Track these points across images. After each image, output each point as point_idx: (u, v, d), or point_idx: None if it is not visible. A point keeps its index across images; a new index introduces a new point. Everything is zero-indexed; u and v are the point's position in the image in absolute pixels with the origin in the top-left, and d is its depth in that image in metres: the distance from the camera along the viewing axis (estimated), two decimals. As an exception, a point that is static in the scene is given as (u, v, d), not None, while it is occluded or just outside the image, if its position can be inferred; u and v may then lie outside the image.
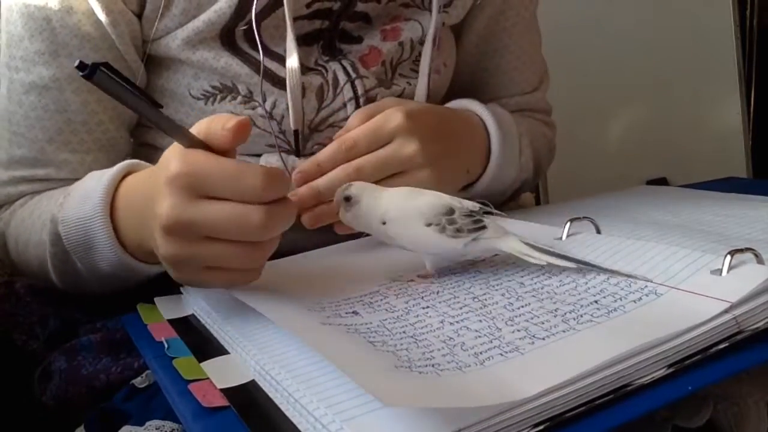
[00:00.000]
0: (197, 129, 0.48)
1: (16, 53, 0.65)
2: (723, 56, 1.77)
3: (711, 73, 1.78)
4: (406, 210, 0.51)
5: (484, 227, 0.51)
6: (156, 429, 0.48)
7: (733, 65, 1.77)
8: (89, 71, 0.42)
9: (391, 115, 0.64)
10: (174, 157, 0.47)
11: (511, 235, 0.51)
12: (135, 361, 0.55)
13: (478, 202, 0.53)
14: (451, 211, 0.50)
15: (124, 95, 0.44)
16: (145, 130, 0.75)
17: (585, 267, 0.49)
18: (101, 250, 0.57)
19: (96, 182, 0.58)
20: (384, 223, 0.52)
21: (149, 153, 0.76)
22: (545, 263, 0.50)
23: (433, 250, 0.52)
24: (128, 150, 0.73)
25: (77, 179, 0.66)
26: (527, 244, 0.51)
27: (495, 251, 0.52)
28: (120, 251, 0.57)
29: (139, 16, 0.66)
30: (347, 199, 0.53)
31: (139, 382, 0.54)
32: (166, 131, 0.47)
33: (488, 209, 0.53)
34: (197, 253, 0.48)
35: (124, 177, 0.58)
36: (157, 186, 0.48)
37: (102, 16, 0.64)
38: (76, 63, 0.43)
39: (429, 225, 0.50)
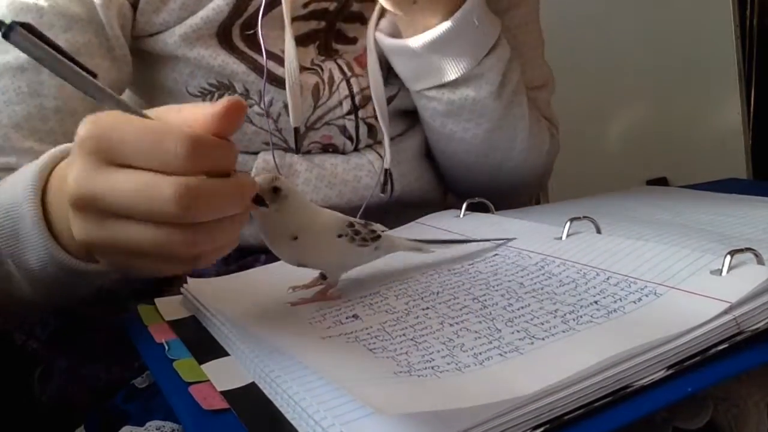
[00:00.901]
0: (166, 116, 0.40)
1: None
2: (723, 56, 1.77)
3: (711, 73, 1.79)
4: (316, 224, 0.51)
5: (380, 236, 0.53)
6: (156, 429, 0.48)
7: (733, 65, 1.77)
8: (5, 30, 0.36)
9: None
10: (87, 119, 0.40)
11: (398, 239, 0.56)
12: (135, 361, 0.55)
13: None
14: (351, 224, 0.52)
15: (51, 60, 0.37)
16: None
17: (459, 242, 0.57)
18: (29, 240, 0.48)
19: (27, 169, 0.50)
20: (296, 238, 0.50)
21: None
22: (432, 250, 0.57)
23: (344, 259, 0.53)
24: None
25: None
26: (416, 240, 0.57)
27: (392, 251, 0.55)
28: (49, 241, 0.47)
29: (135, 6, 0.65)
30: (276, 190, 0.46)
31: (139, 382, 0.54)
32: (100, 102, 0.40)
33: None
34: (110, 234, 0.40)
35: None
36: (70, 158, 0.41)
37: None
38: None
39: (340, 236, 0.51)
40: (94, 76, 0.39)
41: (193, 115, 0.39)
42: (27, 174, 0.49)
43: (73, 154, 0.40)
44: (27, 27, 0.37)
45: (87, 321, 0.62)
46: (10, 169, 0.58)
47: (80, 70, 0.38)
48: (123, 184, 0.38)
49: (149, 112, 0.40)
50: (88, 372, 0.56)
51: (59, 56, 0.37)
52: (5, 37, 0.36)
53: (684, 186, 0.90)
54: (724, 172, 1.11)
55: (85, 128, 0.39)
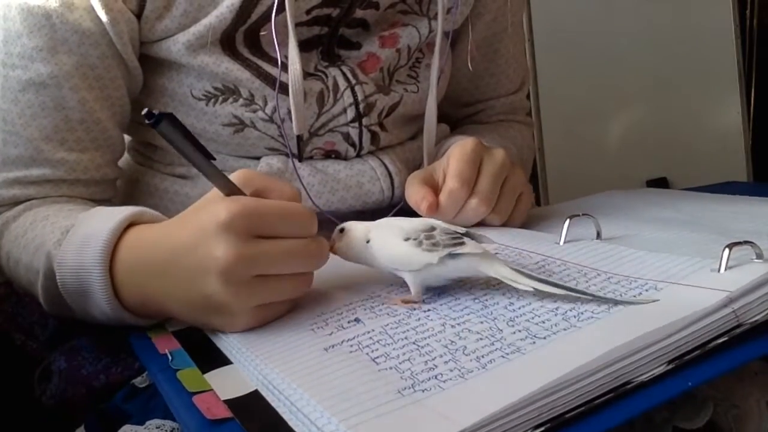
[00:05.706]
0: (240, 182, 0.50)
1: (13, 50, 0.64)
2: (723, 56, 1.77)
3: (711, 73, 1.79)
4: (388, 227, 0.52)
5: (462, 243, 0.49)
6: (156, 428, 0.48)
7: (733, 65, 1.77)
8: (155, 120, 0.45)
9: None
10: (219, 204, 0.48)
11: (495, 258, 0.49)
12: (135, 361, 0.55)
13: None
14: (432, 228, 0.50)
15: (182, 145, 0.46)
16: (143, 129, 0.75)
17: (571, 294, 0.46)
18: (96, 301, 0.53)
19: (96, 229, 0.54)
20: (368, 242, 0.52)
21: (146, 150, 0.76)
22: (531, 289, 0.46)
23: (408, 265, 0.50)
24: (122, 149, 0.72)
25: (72, 179, 0.66)
26: (513, 269, 0.48)
27: (478, 273, 0.49)
28: (117, 307, 0.53)
29: (139, 16, 0.65)
30: (341, 230, 0.54)
31: (139, 381, 0.54)
32: (211, 180, 0.49)
33: (475, 234, 0.51)
34: (256, 291, 0.48)
35: (129, 226, 0.54)
36: (197, 236, 0.48)
37: (102, 14, 0.63)
38: (144, 111, 0.45)
39: (407, 240, 0.50)
40: (213, 159, 0.48)
41: (284, 194, 0.51)
42: (98, 240, 0.53)
43: (214, 234, 0.47)
44: (171, 118, 0.46)
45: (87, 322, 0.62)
46: (44, 181, 0.66)
47: (203, 156, 0.48)
48: (279, 248, 0.48)
49: (235, 177, 0.50)
50: (88, 372, 0.56)
51: (189, 141, 0.47)
52: (154, 126, 0.45)
53: (684, 189, 0.90)
54: (724, 172, 1.12)
55: (226, 212, 0.47)
